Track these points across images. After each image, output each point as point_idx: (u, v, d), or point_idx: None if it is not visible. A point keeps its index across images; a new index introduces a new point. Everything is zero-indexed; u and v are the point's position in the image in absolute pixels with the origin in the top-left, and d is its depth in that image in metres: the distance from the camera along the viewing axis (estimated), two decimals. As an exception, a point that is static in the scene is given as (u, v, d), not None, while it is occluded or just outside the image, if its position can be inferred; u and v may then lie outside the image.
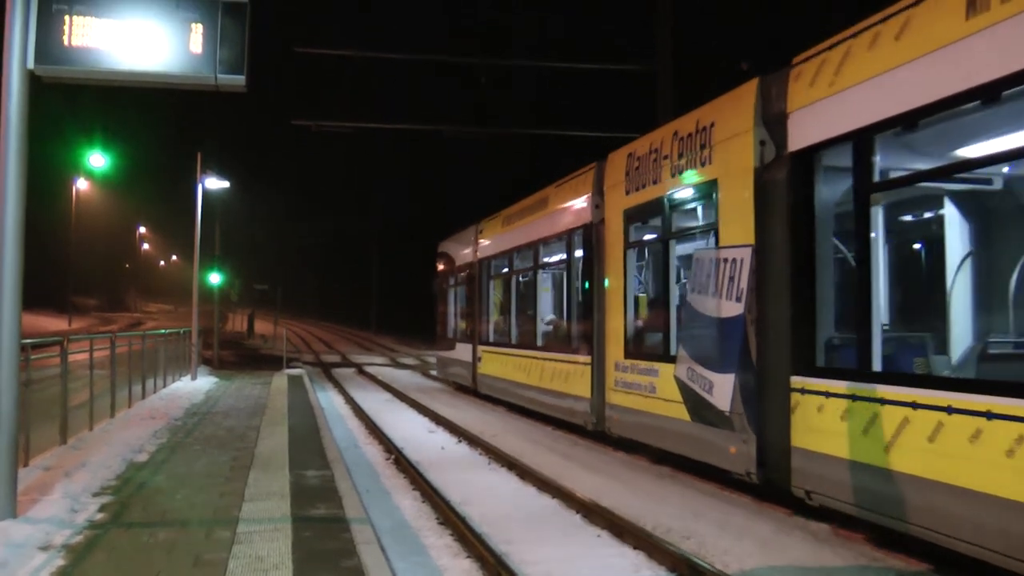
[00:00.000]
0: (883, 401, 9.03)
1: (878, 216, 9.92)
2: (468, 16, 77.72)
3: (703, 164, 13.09)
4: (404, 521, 11.37)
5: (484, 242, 26.64)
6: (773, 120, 11.38)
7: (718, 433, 12.40)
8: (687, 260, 14.50)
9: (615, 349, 16.47)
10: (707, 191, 13.01)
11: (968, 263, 10.41)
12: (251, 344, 62.78)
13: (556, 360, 19.53)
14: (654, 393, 14.63)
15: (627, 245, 16.20)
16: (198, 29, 9.09)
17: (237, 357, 45.88)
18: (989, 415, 7.64)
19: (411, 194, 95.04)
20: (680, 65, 29.86)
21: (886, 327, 10.49)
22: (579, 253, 18.56)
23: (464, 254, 29.06)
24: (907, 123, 8.91)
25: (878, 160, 9.52)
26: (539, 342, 21.48)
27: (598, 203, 17.56)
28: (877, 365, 9.44)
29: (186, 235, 33.46)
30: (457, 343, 29.88)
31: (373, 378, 36.43)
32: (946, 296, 10.42)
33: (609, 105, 45.08)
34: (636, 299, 16.43)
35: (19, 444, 9.46)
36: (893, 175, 9.87)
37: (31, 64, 8.98)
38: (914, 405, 8.58)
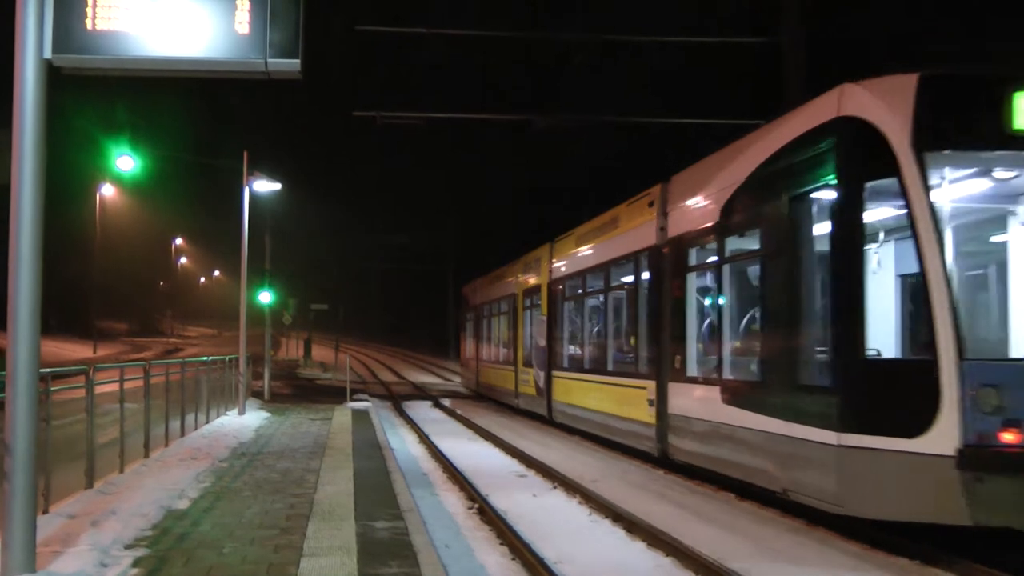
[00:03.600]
0: (565, 378, 28.51)
1: (565, 307, 29.44)
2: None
3: (539, 275, 32.58)
4: (489, 582, 11.36)
5: (481, 292, 45.99)
6: (551, 265, 30.90)
7: (540, 399, 31.24)
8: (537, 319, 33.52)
9: (520, 362, 35.47)
10: (538, 289, 32.47)
11: (598, 322, 26.45)
12: (308, 373, 63.29)
13: (505, 369, 38.43)
14: (529, 384, 33.42)
15: (523, 309, 35.39)
16: (244, 6, 8.94)
17: (292, 388, 46.31)
18: (584, 380, 26.49)
19: (493, 198, 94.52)
20: (810, 37, 29.55)
21: (571, 349, 28.97)
22: (513, 309, 37.52)
23: (473, 298, 48.46)
24: (566, 280, 29.49)
25: (560, 291, 29.86)
26: (501, 359, 40.17)
27: (519, 283, 36.23)
28: (564, 365, 28.90)
29: (231, 247, 33.92)
30: (470, 361, 49.15)
31: (451, 412, 36.56)
32: (589, 336, 27.28)
33: (726, 87, 44.68)
34: (526, 336, 35.13)
35: (38, 488, 9.56)
36: (567, 294, 29.25)
37: (48, 53, 8.92)
38: (570, 379, 28.05)
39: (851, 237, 13.17)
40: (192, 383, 23.57)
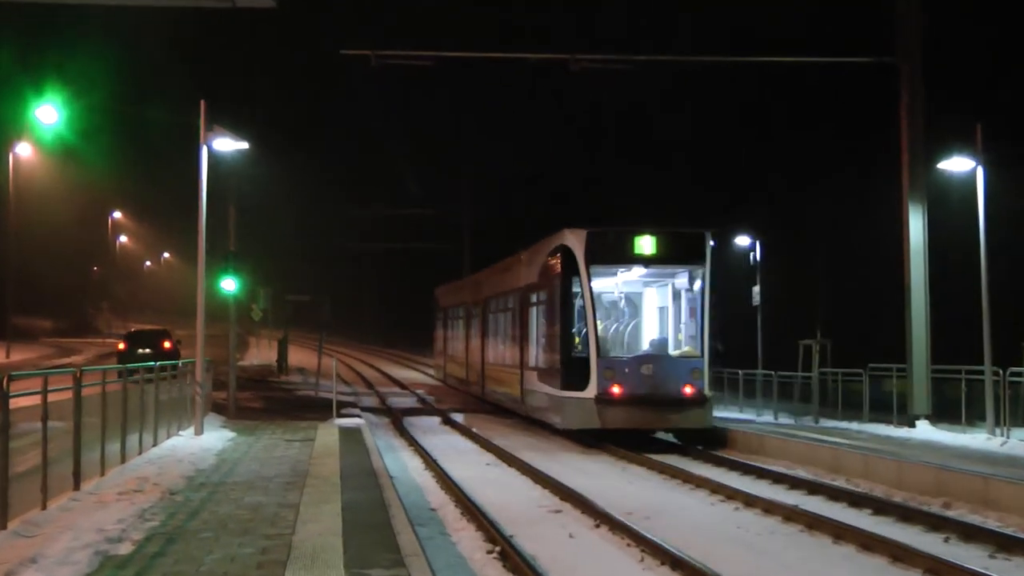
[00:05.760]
0: (489, 368, 48.24)
1: (491, 318, 49.29)
2: None
3: (479, 292, 53.05)
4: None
5: (446, 298, 66.29)
6: (484, 286, 52.66)
7: (478, 384, 51.75)
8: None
9: (469, 356, 55.26)
10: (478, 302, 52.87)
11: (504, 330, 45.49)
12: (284, 382, 63.41)
13: (461, 361, 57.67)
14: (473, 373, 53.54)
15: (471, 316, 55.31)
16: (202, -86, 8.89)
17: (263, 401, 46.26)
18: (497, 369, 46.32)
19: (517, 157, 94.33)
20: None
21: (492, 348, 48.82)
22: (466, 315, 56.74)
23: (442, 302, 67.94)
24: (491, 299, 49.99)
25: (489, 306, 50.35)
26: (459, 354, 58.50)
27: (468, 295, 57.10)
28: (490, 360, 48.71)
29: (185, 223, 33.74)
30: (439, 354, 69.64)
31: (466, 431, 36.79)
32: (500, 339, 46.37)
33: (811, 22, 44.60)
34: (471, 337, 54.90)
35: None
36: (492, 309, 49.44)
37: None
38: (492, 368, 47.86)
39: (566, 300, 32.95)
40: (136, 395, 23.58)
